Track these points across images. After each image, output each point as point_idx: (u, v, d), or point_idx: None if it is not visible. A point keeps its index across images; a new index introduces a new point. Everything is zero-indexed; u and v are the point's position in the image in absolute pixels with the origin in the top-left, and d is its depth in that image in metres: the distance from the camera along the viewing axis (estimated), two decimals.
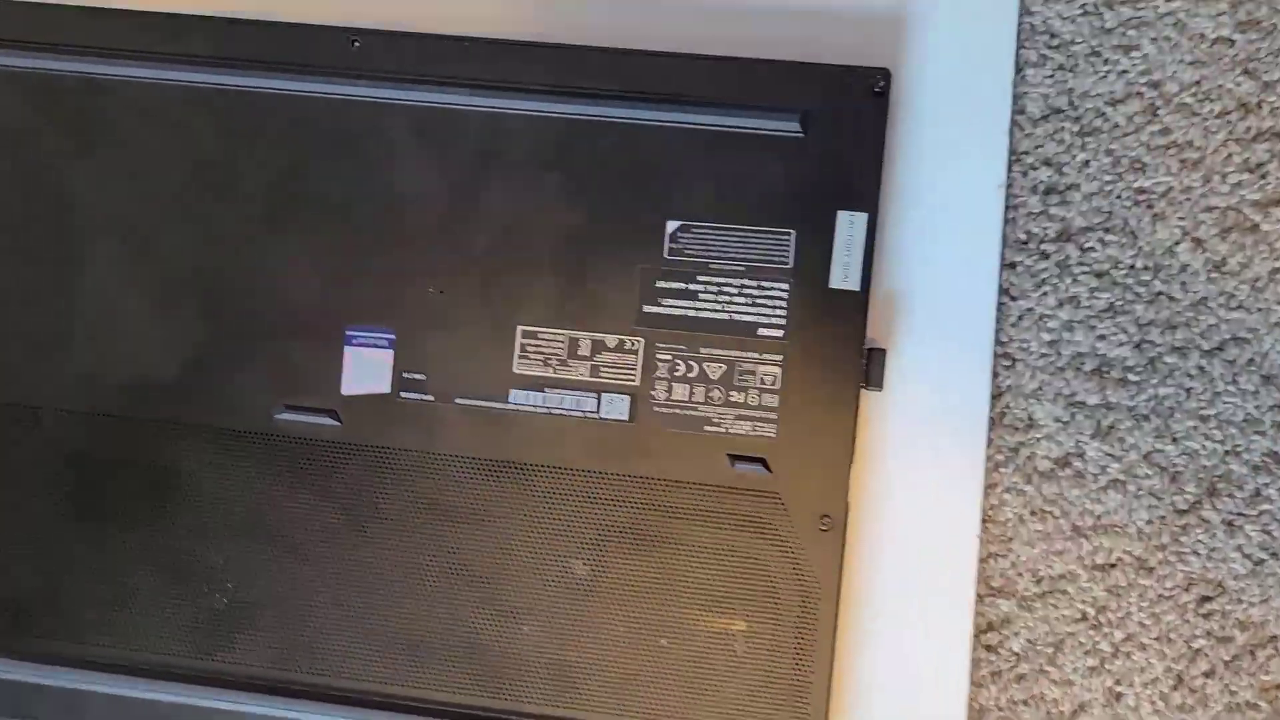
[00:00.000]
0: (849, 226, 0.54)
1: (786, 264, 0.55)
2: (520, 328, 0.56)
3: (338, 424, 0.56)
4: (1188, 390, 0.57)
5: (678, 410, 0.55)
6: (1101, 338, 0.57)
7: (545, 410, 0.56)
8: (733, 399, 0.55)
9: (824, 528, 0.54)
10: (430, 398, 0.56)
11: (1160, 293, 0.57)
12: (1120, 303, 0.57)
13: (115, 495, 0.57)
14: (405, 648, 0.55)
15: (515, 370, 0.56)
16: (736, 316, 0.55)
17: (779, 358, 0.55)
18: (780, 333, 0.55)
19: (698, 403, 0.55)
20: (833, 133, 0.55)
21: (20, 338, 0.58)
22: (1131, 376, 0.57)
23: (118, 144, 0.58)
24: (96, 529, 0.57)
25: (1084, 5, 0.58)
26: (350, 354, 0.57)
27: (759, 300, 0.55)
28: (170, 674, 0.57)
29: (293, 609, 0.56)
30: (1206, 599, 0.56)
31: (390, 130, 0.57)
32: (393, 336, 0.57)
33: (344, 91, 0.57)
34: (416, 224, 0.56)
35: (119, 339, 0.58)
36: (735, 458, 0.55)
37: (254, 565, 0.56)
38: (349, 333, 0.57)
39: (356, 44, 0.57)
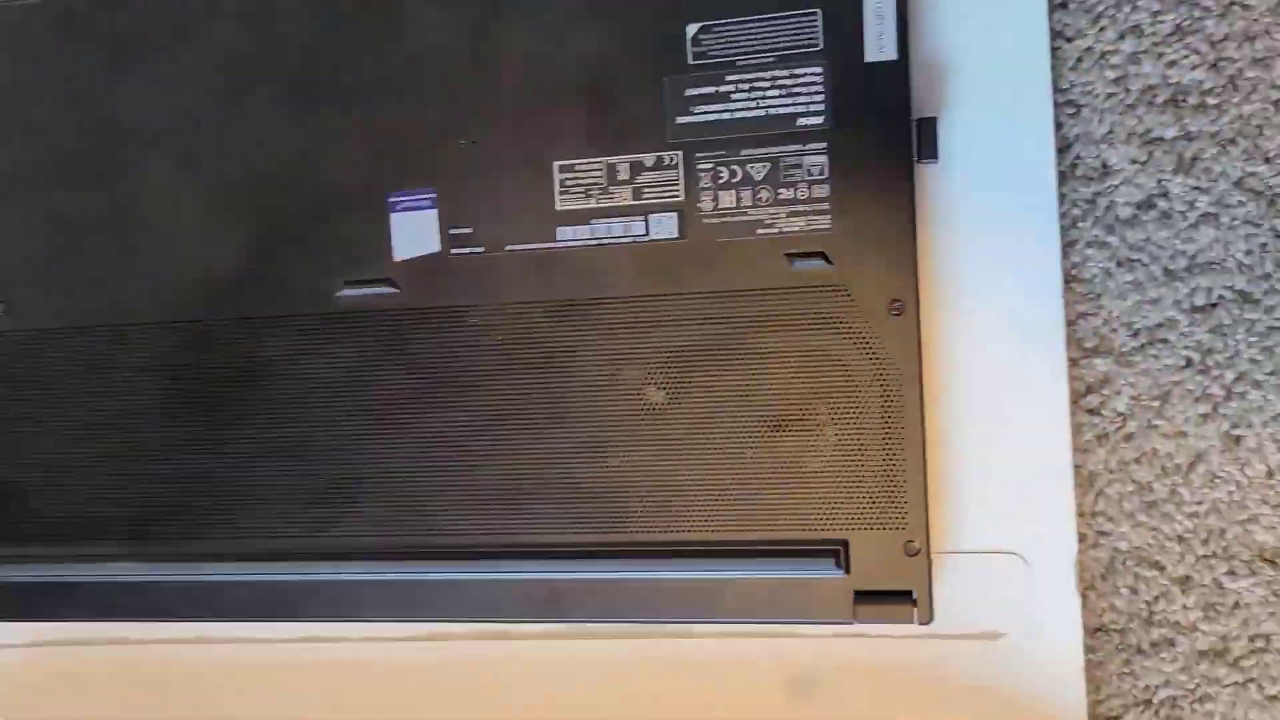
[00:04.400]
0: None
1: (816, 45, 0.52)
2: (556, 163, 0.55)
3: (396, 290, 0.57)
4: (1275, 103, 0.52)
5: (727, 218, 0.53)
6: (1172, 64, 0.53)
7: (595, 242, 0.55)
8: (782, 196, 0.53)
9: (896, 312, 0.52)
10: (480, 249, 0.56)
11: (1232, 2, 0.52)
12: (1187, 22, 0.53)
13: (207, 396, 0.59)
14: (503, 497, 0.56)
15: (558, 207, 0.55)
16: (773, 111, 0.53)
17: (823, 145, 0.52)
18: (820, 119, 0.52)
19: (746, 207, 0.53)
20: None
21: (92, 260, 0.60)
22: (1210, 100, 0.53)
23: (145, 55, 0.58)
24: (198, 431, 0.59)
25: None
26: (396, 220, 0.57)
27: (794, 89, 0.52)
28: (288, 555, 0.59)
29: (390, 476, 0.57)
30: None
31: None
32: (434, 195, 0.56)
33: None
34: (436, 78, 0.55)
35: (183, 245, 0.59)
36: (793, 256, 0.53)
37: (346, 441, 0.58)
38: (391, 199, 0.57)
39: None
